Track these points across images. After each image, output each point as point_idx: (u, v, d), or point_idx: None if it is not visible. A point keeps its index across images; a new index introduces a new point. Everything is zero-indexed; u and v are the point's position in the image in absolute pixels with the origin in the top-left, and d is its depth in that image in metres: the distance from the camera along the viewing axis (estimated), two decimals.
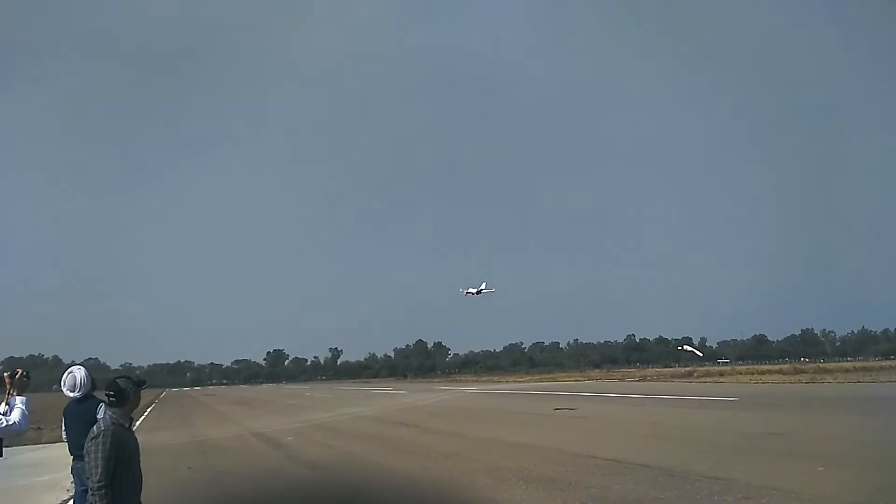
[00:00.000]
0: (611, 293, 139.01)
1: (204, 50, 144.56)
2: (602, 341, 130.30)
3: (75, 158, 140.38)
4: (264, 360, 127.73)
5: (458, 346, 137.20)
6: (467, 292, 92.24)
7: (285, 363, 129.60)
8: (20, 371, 5.00)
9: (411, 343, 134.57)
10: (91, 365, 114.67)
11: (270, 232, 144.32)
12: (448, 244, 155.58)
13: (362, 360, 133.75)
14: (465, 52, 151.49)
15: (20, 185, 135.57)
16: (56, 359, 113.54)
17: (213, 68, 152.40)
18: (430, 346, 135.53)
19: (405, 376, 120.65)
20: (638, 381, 39.62)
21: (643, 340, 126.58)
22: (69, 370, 5.56)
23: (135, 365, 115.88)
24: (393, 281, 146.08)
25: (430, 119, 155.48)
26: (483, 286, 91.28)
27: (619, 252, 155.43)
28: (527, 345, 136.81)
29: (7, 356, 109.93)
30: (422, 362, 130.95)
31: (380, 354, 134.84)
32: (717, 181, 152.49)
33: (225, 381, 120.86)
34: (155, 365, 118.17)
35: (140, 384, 4.18)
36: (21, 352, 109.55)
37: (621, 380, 43.02)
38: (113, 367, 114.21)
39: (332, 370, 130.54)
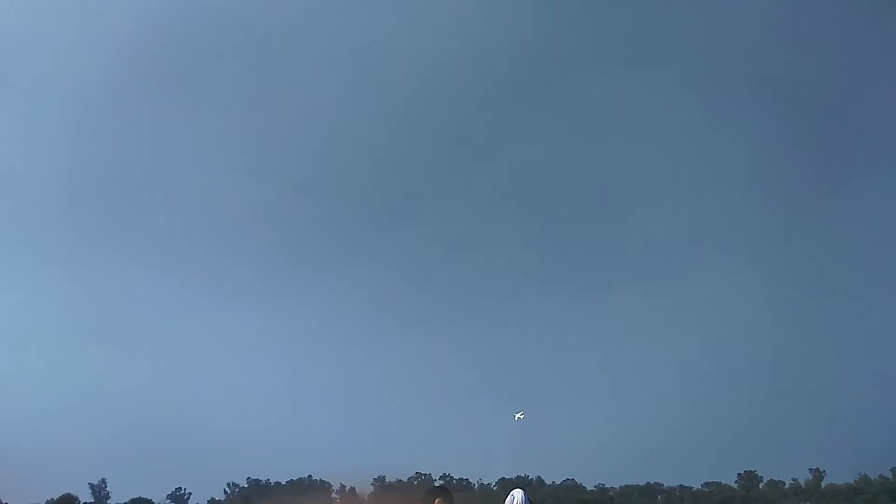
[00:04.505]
0: None
1: None
2: None
3: None
4: (736, 482, 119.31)
5: None
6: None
7: (759, 486, 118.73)
8: None
9: None
10: (568, 486, 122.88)
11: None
12: None
13: (851, 482, 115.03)
14: None
15: None
16: (539, 479, 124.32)
17: None
18: None
19: None
20: None
21: None
22: (511, 493, 5.18)
23: (607, 485, 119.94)
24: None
25: None
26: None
27: None
28: None
29: (499, 477, 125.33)
30: None
31: (873, 475, 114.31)
32: None
33: None
34: (627, 486, 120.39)
35: None
36: (511, 473, 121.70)
37: None
38: (588, 488, 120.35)
39: (816, 494, 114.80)
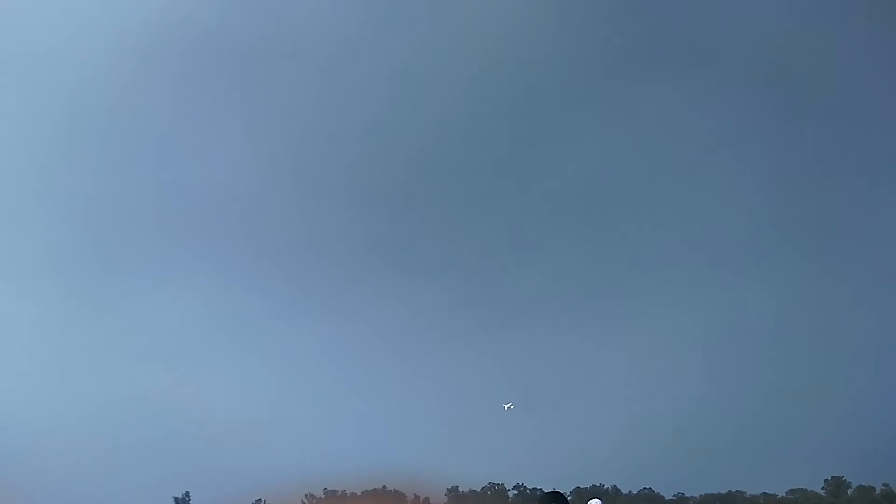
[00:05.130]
0: None
1: None
2: None
3: None
4: (822, 488, 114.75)
5: None
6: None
7: (848, 492, 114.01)
8: None
9: None
10: (645, 495, 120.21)
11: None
12: None
13: None
14: None
15: None
16: (615, 489, 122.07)
17: None
18: None
19: None
20: None
21: None
22: (588, 503, 5.11)
23: (687, 495, 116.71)
24: None
25: None
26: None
27: None
28: None
29: (574, 486, 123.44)
30: None
31: None
32: None
33: None
34: (707, 495, 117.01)
35: None
36: (585, 482, 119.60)
37: None
38: (667, 497, 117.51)
39: None
